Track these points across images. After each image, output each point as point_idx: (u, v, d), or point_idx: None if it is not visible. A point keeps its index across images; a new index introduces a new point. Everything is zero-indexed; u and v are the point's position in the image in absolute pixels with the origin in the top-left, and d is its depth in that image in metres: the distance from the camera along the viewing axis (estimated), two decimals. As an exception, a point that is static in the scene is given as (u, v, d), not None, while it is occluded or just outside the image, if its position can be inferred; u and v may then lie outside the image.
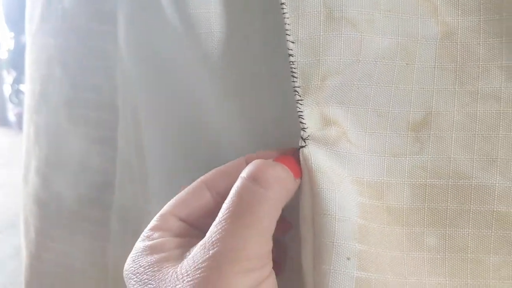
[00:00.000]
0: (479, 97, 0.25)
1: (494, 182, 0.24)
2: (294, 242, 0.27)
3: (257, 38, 0.29)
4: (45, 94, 0.42)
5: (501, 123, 0.25)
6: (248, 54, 0.29)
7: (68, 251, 0.44)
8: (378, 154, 0.25)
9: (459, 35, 0.25)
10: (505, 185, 0.24)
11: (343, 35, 0.25)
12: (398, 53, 0.25)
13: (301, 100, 0.25)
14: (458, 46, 0.25)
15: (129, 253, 0.24)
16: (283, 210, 0.24)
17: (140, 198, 0.38)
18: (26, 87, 0.44)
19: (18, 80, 0.61)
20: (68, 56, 0.40)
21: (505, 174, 0.24)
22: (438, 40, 0.25)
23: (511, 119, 0.24)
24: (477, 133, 0.25)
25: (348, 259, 0.24)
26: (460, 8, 0.25)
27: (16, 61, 0.52)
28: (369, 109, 0.26)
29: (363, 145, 0.25)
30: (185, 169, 0.35)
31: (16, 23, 0.54)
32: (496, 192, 0.24)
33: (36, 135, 0.42)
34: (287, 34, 0.25)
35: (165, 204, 0.26)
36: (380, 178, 0.25)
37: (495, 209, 0.24)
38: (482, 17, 0.25)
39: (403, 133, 0.26)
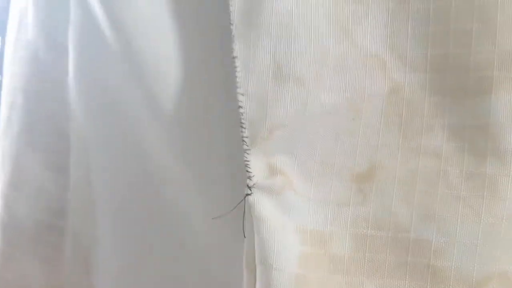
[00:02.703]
0: (421, 153, 0.25)
1: (431, 237, 0.25)
2: None
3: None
4: (9, 120, 0.44)
5: (440, 180, 0.25)
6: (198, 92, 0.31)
7: (27, 273, 0.45)
8: (322, 203, 0.26)
9: (405, 91, 0.26)
10: (441, 240, 0.25)
11: (289, 91, 0.26)
12: (345, 109, 0.26)
13: (249, 149, 0.26)
14: (404, 102, 0.26)
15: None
16: None
17: (90, 224, 0.40)
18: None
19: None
20: (29, 84, 0.43)
21: (441, 230, 0.25)
22: (385, 96, 0.26)
23: (449, 177, 0.25)
24: (417, 188, 0.25)
25: None
26: (408, 65, 0.26)
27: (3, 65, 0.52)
28: (315, 160, 0.26)
29: (309, 194, 0.26)
30: (129, 197, 0.36)
31: (4, 27, 0.54)
32: (433, 247, 0.25)
33: (2, 159, 0.43)
34: (237, 87, 0.26)
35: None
36: (324, 227, 0.26)
37: (431, 263, 0.25)
38: (428, 74, 0.25)
39: (347, 184, 0.26)
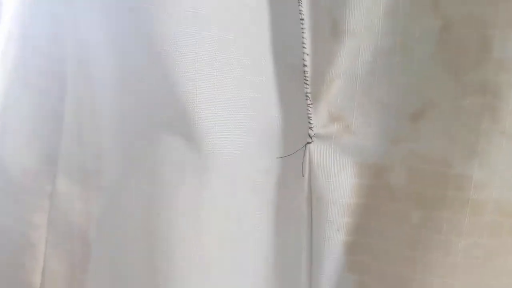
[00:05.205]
0: (469, 89, 0.26)
1: (472, 173, 0.27)
2: None
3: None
4: (5, 52, 0.40)
5: (485, 115, 0.26)
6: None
7: (11, 223, 0.43)
8: (380, 140, 0.29)
9: (455, 27, 0.26)
10: (482, 175, 0.27)
11: (345, 45, 0.29)
12: (397, 50, 0.28)
13: (311, 104, 0.30)
14: (455, 38, 0.26)
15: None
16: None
17: (89, 157, 0.39)
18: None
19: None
20: (28, 17, 0.39)
21: (482, 165, 0.26)
22: (436, 34, 0.27)
23: (494, 111, 0.25)
24: (462, 124, 0.27)
25: (338, 230, 0.31)
26: None
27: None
28: (373, 100, 0.29)
29: (367, 133, 0.29)
30: (138, 122, 0.34)
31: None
32: (473, 182, 0.27)
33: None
34: (303, 47, 0.29)
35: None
36: (382, 161, 0.29)
37: (470, 197, 0.27)
38: (481, 8, 0.25)
39: (402, 122, 0.29)
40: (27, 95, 0.40)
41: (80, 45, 0.36)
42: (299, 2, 0.29)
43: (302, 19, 0.29)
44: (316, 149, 0.31)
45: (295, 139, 0.31)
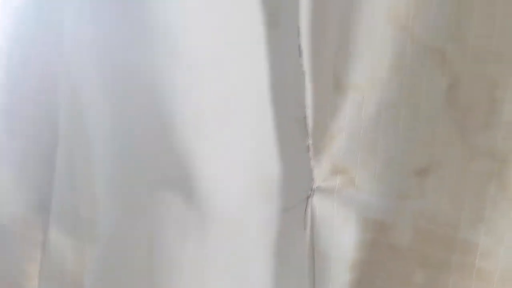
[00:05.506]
0: (476, 152, 0.25)
1: (478, 239, 0.25)
2: None
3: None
4: None
5: (493, 181, 0.25)
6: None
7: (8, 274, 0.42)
8: (385, 196, 0.28)
9: (463, 85, 0.25)
10: (488, 242, 0.25)
11: (348, 98, 0.28)
12: (403, 105, 0.27)
13: (313, 156, 0.29)
14: (462, 96, 0.25)
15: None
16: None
17: (83, 206, 0.38)
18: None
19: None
20: (14, 63, 0.38)
21: (489, 232, 0.25)
22: (443, 91, 0.26)
23: (502, 178, 0.25)
24: (469, 187, 0.26)
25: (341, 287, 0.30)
26: (470, 56, 0.24)
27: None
28: (377, 154, 0.28)
29: (371, 188, 0.28)
30: (136, 176, 0.33)
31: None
32: (479, 249, 0.26)
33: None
34: (305, 100, 0.29)
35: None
36: (386, 218, 0.28)
37: (476, 264, 0.26)
38: (490, 66, 0.24)
39: (408, 178, 0.28)
40: (14, 142, 0.39)
41: (72, 92, 0.35)
42: (300, 55, 0.29)
43: (303, 72, 0.29)
44: (318, 202, 0.30)
45: (297, 192, 0.30)
